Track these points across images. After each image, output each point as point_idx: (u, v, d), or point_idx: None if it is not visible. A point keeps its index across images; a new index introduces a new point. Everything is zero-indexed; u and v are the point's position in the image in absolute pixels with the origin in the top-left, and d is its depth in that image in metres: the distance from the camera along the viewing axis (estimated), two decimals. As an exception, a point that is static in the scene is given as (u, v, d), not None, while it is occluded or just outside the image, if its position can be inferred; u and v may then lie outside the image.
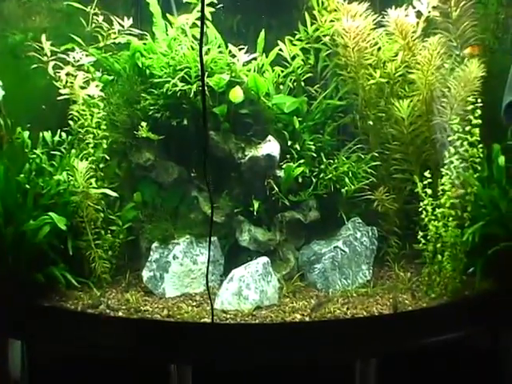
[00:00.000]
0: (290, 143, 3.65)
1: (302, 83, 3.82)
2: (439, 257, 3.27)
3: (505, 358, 3.36)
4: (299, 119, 3.71)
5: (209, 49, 3.61)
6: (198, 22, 3.68)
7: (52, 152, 3.54)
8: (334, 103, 3.79)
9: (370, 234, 3.63)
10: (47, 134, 3.58)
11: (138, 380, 2.98)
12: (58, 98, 3.45)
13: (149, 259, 3.42)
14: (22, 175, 3.29)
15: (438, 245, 3.27)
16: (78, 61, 3.50)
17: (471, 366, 3.45)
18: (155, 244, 3.45)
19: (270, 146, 3.55)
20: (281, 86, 3.81)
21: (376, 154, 3.67)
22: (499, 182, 3.32)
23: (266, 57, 3.69)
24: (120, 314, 3.10)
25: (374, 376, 3.02)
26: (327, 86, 3.84)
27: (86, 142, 3.45)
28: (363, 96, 3.72)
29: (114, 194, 3.43)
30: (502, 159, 3.34)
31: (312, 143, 3.67)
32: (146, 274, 3.39)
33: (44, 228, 3.16)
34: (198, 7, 3.68)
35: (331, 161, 3.66)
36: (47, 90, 3.53)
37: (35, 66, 3.50)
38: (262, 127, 3.65)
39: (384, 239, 3.67)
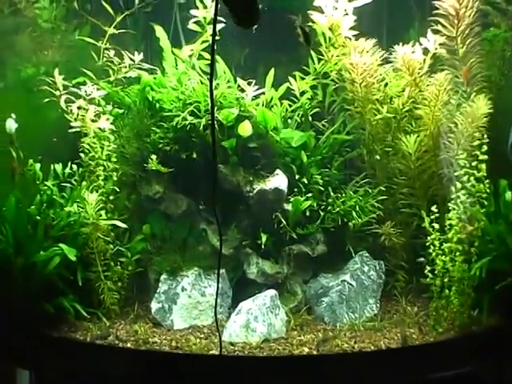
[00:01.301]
0: (297, 177, 3.71)
1: (310, 118, 3.90)
2: (446, 291, 3.30)
3: None
4: (307, 153, 3.78)
5: (218, 83, 3.70)
6: (205, 54, 3.79)
7: (63, 184, 3.61)
8: (341, 138, 3.86)
9: (378, 267, 3.67)
10: (58, 166, 3.65)
11: None
12: (70, 131, 3.55)
13: (157, 291, 3.46)
14: (33, 207, 3.35)
15: (446, 279, 3.30)
16: (90, 94, 3.59)
17: None
18: (164, 276, 3.50)
19: (278, 180, 3.61)
20: (289, 121, 3.89)
21: (383, 189, 3.72)
22: (506, 217, 3.35)
23: (276, 91, 3.77)
24: (129, 345, 3.15)
25: None
26: (334, 120, 3.92)
27: (97, 174, 3.54)
28: (370, 131, 3.79)
29: (124, 226, 3.49)
30: (508, 194, 3.37)
31: (319, 177, 3.74)
32: (154, 305, 3.43)
33: (54, 259, 3.22)
34: (203, 37, 3.77)
35: (338, 195, 3.72)
36: (59, 123, 3.62)
37: (47, 99, 3.59)
38: (269, 161, 3.72)
39: (391, 273, 3.70)
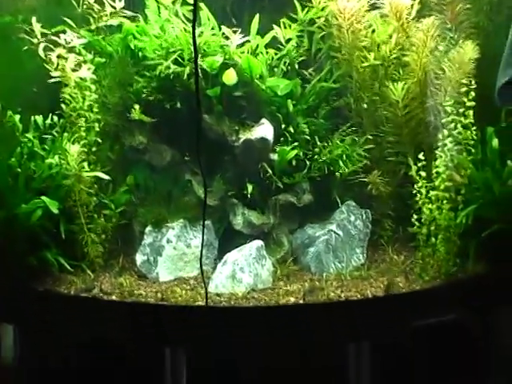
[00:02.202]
0: (283, 126, 3.62)
1: (296, 66, 3.78)
2: (433, 239, 3.27)
3: (495, 338, 3.35)
4: (293, 102, 3.68)
5: (202, 31, 3.57)
6: (190, 2, 3.63)
7: (44, 135, 3.50)
8: (327, 86, 3.76)
9: (364, 217, 3.62)
10: (39, 118, 3.53)
11: (131, 364, 2.95)
12: (50, 81, 3.41)
13: (142, 243, 3.40)
14: (13, 159, 3.26)
15: (432, 228, 3.26)
16: (69, 43, 3.45)
17: (463, 347, 3.43)
18: (149, 228, 3.43)
19: (264, 129, 3.52)
20: (275, 69, 3.76)
21: (370, 137, 3.65)
22: (493, 164, 3.31)
23: (261, 38, 3.65)
24: (114, 297, 3.10)
25: (368, 358, 3.01)
26: (321, 68, 3.80)
27: (78, 125, 3.42)
28: (357, 79, 3.69)
29: (107, 177, 3.40)
30: (495, 142, 3.32)
31: (306, 126, 3.65)
32: (139, 257, 3.38)
33: (36, 212, 3.14)
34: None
35: (325, 144, 3.64)
36: (38, 73, 3.48)
37: (26, 48, 3.46)
38: (255, 110, 3.63)
39: (378, 222, 3.66)
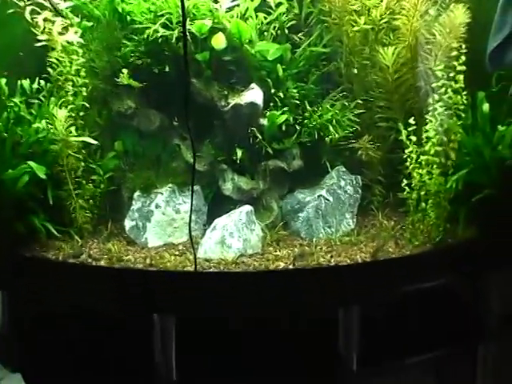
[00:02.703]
0: (273, 91, 3.54)
1: (286, 30, 3.68)
2: (423, 205, 3.22)
3: (484, 304, 3.33)
4: (283, 67, 3.59)
5: (190, -6, 3.47)
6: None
7: (30, 100, 3.40)
8: (318, 51, 3.67)
9: (354, 182, 3.56)
10: (25, 82, 3.43)
11: (119, 330, 2.91)
12: (36, 45, 3.30)
13: (131, 208, 3.33)
14: (-1, 124, 3.18)
15: (422, 193, 3.21)
16: (56, 6, 3.34)
17: (452, 312, 3.41)
18: (137, 193, 3.35)
19: (254, 94, 3.44)
20: (264, 33, 3.66)
21: (360, 102, 3.58)
22: (483, 129, 3.25)
23: (251, 1, 3.54)
24: (102, 263, 3.03)
25: (357, 322, 2.97)
26: (311, 33, 3.71)
27: (65, 89, 3.32)
28: (347, 43, 3.61)
29: (95, 142, 3.32)
30: (486, 106, 3.26)
31: (296, 91, 3.57)
32: (128, 223, 3.31)
33: (23, 177, 3.05)
34: None
35: (315, 109, 3.56)
36: (25, 37, 3.37)
37: (11, 11, 3.33)
38: (245, 74, 3.54)
39: (368, 188, 3.61)
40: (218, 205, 3.45)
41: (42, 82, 3.43)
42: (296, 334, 3.10)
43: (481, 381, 3.38)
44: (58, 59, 3.32)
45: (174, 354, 2.86)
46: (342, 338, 2.99)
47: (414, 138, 3.22)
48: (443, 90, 3.16)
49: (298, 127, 3.53)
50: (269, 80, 3.56)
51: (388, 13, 3.50)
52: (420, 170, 3.21)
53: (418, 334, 3.22)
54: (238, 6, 3.51)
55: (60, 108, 3.23)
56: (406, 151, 3.25)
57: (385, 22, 3.51)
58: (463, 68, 3.14)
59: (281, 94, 3.54)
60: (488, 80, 3.35)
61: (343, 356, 3.01)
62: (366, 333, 2.99)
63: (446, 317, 3.31)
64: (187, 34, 3.21)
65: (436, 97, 3.17)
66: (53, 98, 3.32)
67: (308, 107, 3.56)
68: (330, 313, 3.01)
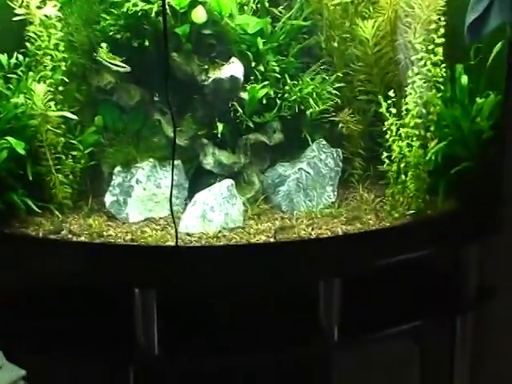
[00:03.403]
0: (253, 64, 3.43)
1: (266, 4, 3.52)
2: (403, 177, 3.18)
3: (463, 276, 3.34)
4: (263, 40, 3.48)
5: (169, -33, 3.37)
6: None
7: (8, 75, 3.24)
8: (298, 24, 3.54)
9: (335, 155, 3.48)
10: (3, 57, 3.26)
11: (100, 305, 2.87)
12: (14, 19, 3.16)
13: (111, 184, 3.24)
14: (-24, 99, 3.07)
15: (402, 165, 3.17)
16: (33, -20, 3.23)
17: (432, 284, 3.43)
18: (118, 168, 3.26)
19: (234, 68, 3.35)
20: (244, 7, 3.52)
21: (340, 75, 3.47)
22: (462, 102, 3.20)
23: (230, -25, 3.46)
24: (82, 238, 2.96)
25: (338, 295, 2.95)
26: (291, 6, 3.55)
27: (44, 64, 3.20)
28: (328, 16, 3.50)
29: (74, 117, 3.21)
30: (464, 79, 3.21)
31: (276, 64, 3.46)
32: (108, 198, 3.22)
33: (1, 153, 2.96)
34: None
35: (296, 82, 3.46)
36: (1, 11, 3.20)
37: (-13, -15, 3.23)
38: (225, 48, 3.42)
39: (349, 161, 3.53)
40: (199, 179, 3.37)
41: (21, 57, 3.27)
42: (278, 306, 3.10)
43: (459, 347, 3.41)
44: (36, 33, 3.19)
45: (155, 329, 2.82)
46: (323, 310, 3.01)
47: (393, 111, 3.18)
48: (422, 62, 3.12)
49: (278, 101, 3.44)
50: (249, 54, 3.45)
51: (367, -15, 3.46)
52: (400, 143, 3.17)
53: (398, 304, 3.25)
54: (217, -21, 3.43)
55: (39, 83, 3.12)
56: (386, 124, 3.20)
57: (364, -5, 3.47)
58: (442, 41, 3.10)
59: (261, 68, 3.44)
60: (466, 53, 3.26)
61: (325, 327, 3.00)
62: (347, 304, 2.99)
63: (426, 288, 3.33)
64: (167, 7, 3.11)
65: (415, 70, 3.14)
66: (31, 73, 3.20)
67: (288, 81, 3.46)
68: (311, 285, 3.01)
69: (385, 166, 3.25)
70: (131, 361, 2.95)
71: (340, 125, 3.47)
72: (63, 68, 3.24)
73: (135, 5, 3.24)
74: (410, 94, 3.14)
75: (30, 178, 3.06)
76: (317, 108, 3.43)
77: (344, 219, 3.16)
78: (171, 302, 2.92)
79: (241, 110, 3.38)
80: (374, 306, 3.16)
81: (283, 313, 3.08)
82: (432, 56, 3.11)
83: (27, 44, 3.21)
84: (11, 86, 3.21)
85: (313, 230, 3.08)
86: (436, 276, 3.44)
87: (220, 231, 3.05)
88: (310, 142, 3.49)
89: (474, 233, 3.25)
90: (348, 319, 2.97)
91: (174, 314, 2.98)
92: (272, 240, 3.00)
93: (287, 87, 3.47)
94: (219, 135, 3.36)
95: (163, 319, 2.84)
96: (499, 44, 3.24)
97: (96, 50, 3.26)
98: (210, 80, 3.34)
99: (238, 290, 2.94)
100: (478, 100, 3.18)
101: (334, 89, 3.46)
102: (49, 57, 3.21)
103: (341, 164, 3.52)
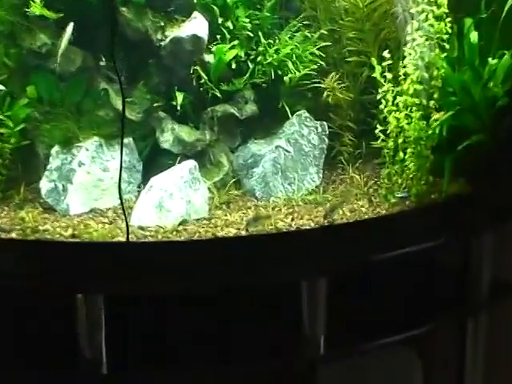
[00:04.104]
0: (220, 20, 3.45)
1: None
2: (401, 155, 3.19)
3: (474, 271, 3.34)
4: (232, -10, 3.50)
5: None
6: None
7: None
8: (273, -31, 3.57)
9: (320, 130, 3.51)
10: None
11: (36, 314, 2.87)
12: None
13: (48, 167, 3.22)
14: None
15: (400, 140, 3.18)
16: None
17: (437, 282, 3.43)
18: (55, 148, 3.24)
19: (196, 25, 3.36)
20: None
21: (326, 33, 3.52)
22: (471, 63, 3.20)
23: None
24: (14, 235, 2.92)
25: (324, 298, 2.94)
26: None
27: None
28: (309, -41, 3.54)
29: (1, 88, 3.21)
30: (474, 35, 3.20)
31: (247, 20, 3.47)
32: (44, 185, 3.19)
33: None
34: None
35: (271, 42, 3.48)
36: None
37: None
38: (185, 1, 3.42)
39: (336, 136, 3.57)
40: (154, 161, 3.40)
41: None
42: (251, 313, 3.09)
43: (470, 355, 3.46)
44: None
45: (103, 342, 2.80)
46: (307, 316, 2.97)
47: (389, 76, 3.18)
48: (423, 16, 3.12)
49: (250, 64, 3.46)
50: (215, 7, 3.45)
51: None
52: (397, 114, 3.17)
53: (396, 307, 3.24)
54: None
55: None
56: (381, 91, 3.22)
57: None
58: (447, -11, 3.08)
59: (229, 25, 3.45)
60: (476, 4, 3.30)
61: (308, 336, 2.99)
62: (335, 309, 2.95)
63: (430, 287, 3.33)
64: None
65: (415, 24, 3.14)
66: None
67: (263, 40, 3.48)
68: (291, 286, 3.00)
69: (379, 141, 3.25)
70: (73, 382, 2.94)
71: (325, 93, 3.49)
72: (-15, 27, 3.21)
73: None
74: (409, 54, 3.14)
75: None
76: (297, 73, 3.45)
77: (331, 207, 3.16)
78: (122, 309, 2.88)
79: (205, 77, 3.38)
80: (367, 311, 3.13)
81: (257, 320, 3.05)
82: (435, 8, 3.11)
83: None
84: None
85: (293, 220, 3.09)
86: (442, 272, 3.40)
87: (180, 223, 3.05)
88: (290, 115, 3.49)
89: (486, 220, 3.24)
90: (336, 327, 2.95)
91: (126, 323, 2.96)
92: (244, 233, 2.99)
93: (261, 48, 3.47)
94: (179, 107, 3.35)
95: (112, 330, 2.80)
96: (515, -7, 3.24)
97: (28, 3, 3.22)
98: (167, 40, 3.34)
99: (203, 293, 2.92)
100: (491, 61, 3.17)
101: (318, 49, 3.48)
102: (-34, 13, 3.19)
103: (327, 140, 3.54)
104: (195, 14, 3.39)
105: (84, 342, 2.80)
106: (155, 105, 3.39)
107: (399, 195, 3.21)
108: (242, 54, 3.45)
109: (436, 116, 3.14)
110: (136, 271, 2.77)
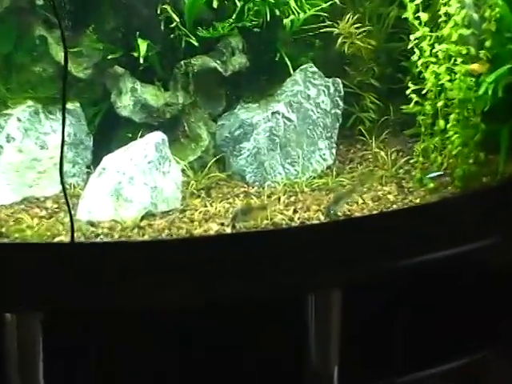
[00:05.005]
0: None
1: None
2: (441, 123, 3.19)
3: None
4: None
5: None
6: None
7: None
8: None
9: (332, 90, 3.53)
10: None
11: None
12: None
13: (-35, 143, 3.22)
14: None
15: (440, 104, 3.19)
16: None
17: (485, 297, 3.43)
18: (-25, 118, 3.24)
19: None
20: None
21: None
22: None
23: None
24: None
25: (336, 317, 2.95)
26: None
27: None
28: None
29: None
30: None
31: None
32: (-40, 166, 3.20)
33: None
34: None
35: (266, -30, 3.46)
36: None
37: None
38: None
39: (355, 98, 3.64)
40: (109, 133, 3.42)
41: None
42: (239, 335, 3.07)
43: None
44: None
45: (40, 366, 2.83)
46: (314, 343, 2.97)
47: (425, 17, 3.19)
48: None
49: (238, 2, 3.46)
50: None
51: None
52: (436, 68, 3.18)
53: (431, 332, 3.23)
54: None
55: None
56: (413, 37, 3.22)
57: None
58: None
59: None
60: None
61: (317, 368, 3.01)
62: (350, 333, 2.97)
63: (475, 303, 3.32)
64: None
65: None
66: None
67: (254, -32, 3.45)
68: (295, 301, 3.00)
69: (412, 105, 3.25)
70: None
71: (339, 40, 3.53)
72: None
73: None
74: (452, -13, 3.11)
75: None
76: (301, 14, 3.46)
77: (335, 196, 3.16)
78: (64, 329, 2.88)
79: (177, 19, 3.39)
80: (391, 334, 3.17)
81: (250, 344, 3.06)
82: None
83: None
84: None
85: (296, 212, 3.08)
86: (493, 284, 3.42)
87: (144, 217, 3.05)
88: (291, 70, 3.51)
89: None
90: (351, 356, 2.96)
91: (69, 346, 2.96)
92: (229, 231, 2.99)
93: (252, -21, 3.48)
94: (142, 60, 3.35)
95: (52, 352, 2.82)
96: None
97: None
98: (125, -30, 3.35)
99: (175, 309, 2.91)
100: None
101: (329, -20, 3.51)
102: None
103: (342, 104, 3.56)
104: None
105: (14, 368, 2.82)
106: (109, 57, 3.40)
107: (431, 176, 3.23)
108: (227, -13, 3.44)
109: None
110: (84, 282, 2.78)
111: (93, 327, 2.96)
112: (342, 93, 3.57)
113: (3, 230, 2.97)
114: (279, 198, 3.22)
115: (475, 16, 3.18)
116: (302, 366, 3.00)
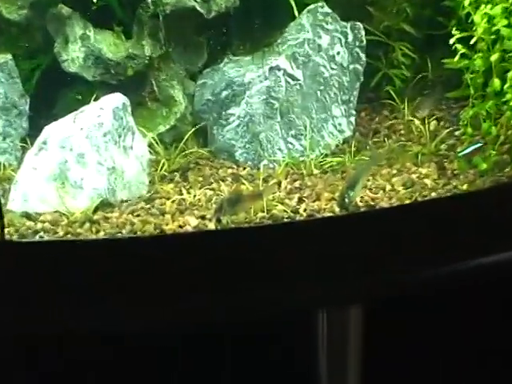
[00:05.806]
0: None
1: None
2: (496, 83, 3.15)
3: None
4: None
5: None
6: None
7: None
8: None
9: (351, 38, 3.52)
10: None
11: None
12: None
13: None
14: None
15: (495, 57, 3.15)
16: None
17: None
18: None
19: None
20: None
21: None
22: None
23: None
24: None
25: (355, 342, 2.97)
26: None
27: None
28: None
29: None
30: None
31: None
32: None
33: None
34: None
35: None
36: None
37: None
38: None
39: (381, 49, 3.66)
40: (52, 95, 3.43)
41: None
42: (224, 361, 3.08)
43: None
44: None
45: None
46: (325, 369, 3.00)
47: None
48: None
49: None
50: None
51: None
52: (489, 8, 3.13)
53: (463, 353, 3.23)
54: None
55: None
56: None
57: None
58: None
59: None
60: None
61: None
62: (368, 356, 3.00)
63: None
64: None
65: None
66: None
67: None
68: (297, 322, 3.00)
69: (458, 58, 3.22)
70: None
71: None
72: None
73: None
74: None
75: None
76: None
77: (368, 176, 3.14)
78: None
79: None
80: (420, 355, 3.17)
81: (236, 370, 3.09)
82: None
83: None
84: None
85: (302, 201, 3.06)
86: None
87: (98, 208, 3.03)
88: (296, 11, 3.51)
89: None
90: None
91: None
92: (212, 226, 2.97)
93: None
94: (95, -1, 3.35)
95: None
96: None
97: None
98: None
99: (137, 329, 2.95)
100: None
101: None
102: None
103: (363, 57, 3.57)
104: None
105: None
106: (55, -6, 3.35)
107: (469, 150, 3.22)
108: None
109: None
110: (23, 290, 2.77)
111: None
112: (364, 42, 3.58)
113: None
114: (279, 183, 3.22)
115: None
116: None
